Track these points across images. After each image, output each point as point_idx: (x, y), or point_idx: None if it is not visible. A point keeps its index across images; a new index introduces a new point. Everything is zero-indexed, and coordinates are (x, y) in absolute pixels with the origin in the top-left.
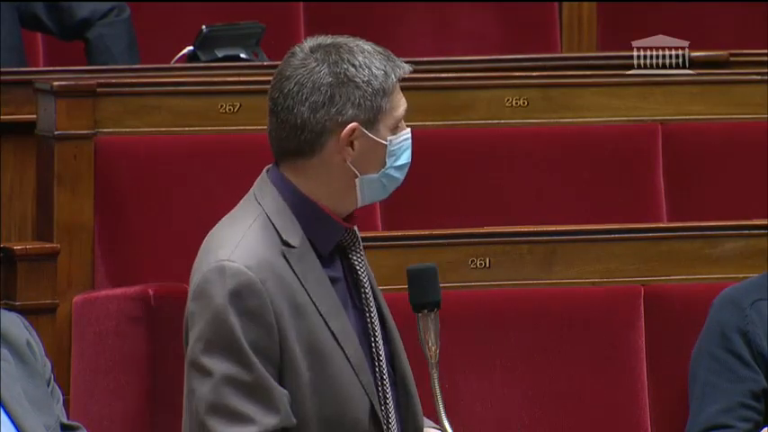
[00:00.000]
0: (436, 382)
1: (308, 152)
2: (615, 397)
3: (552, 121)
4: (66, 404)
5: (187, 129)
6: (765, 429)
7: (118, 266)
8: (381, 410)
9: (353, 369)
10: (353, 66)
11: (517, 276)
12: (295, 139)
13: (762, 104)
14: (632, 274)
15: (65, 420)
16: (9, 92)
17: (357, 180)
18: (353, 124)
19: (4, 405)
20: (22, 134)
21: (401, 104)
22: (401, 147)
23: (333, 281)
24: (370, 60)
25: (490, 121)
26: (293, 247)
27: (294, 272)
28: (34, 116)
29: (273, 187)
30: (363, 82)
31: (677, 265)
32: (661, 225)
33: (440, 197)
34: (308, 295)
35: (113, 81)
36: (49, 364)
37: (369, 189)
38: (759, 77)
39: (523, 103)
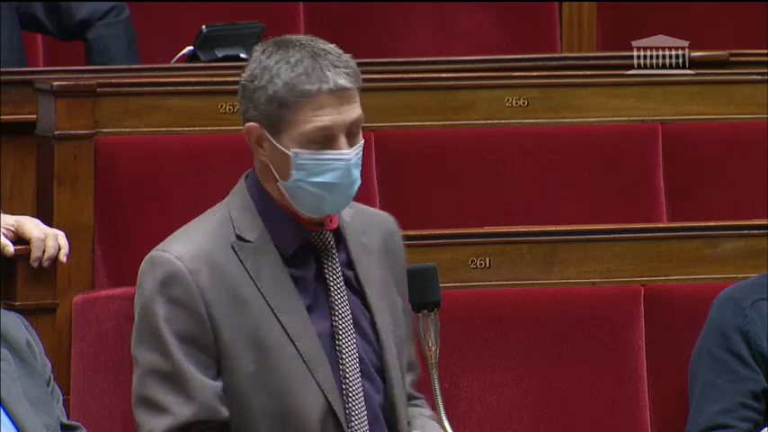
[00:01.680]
0: (436, 382)
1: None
2: (615, 397)
3: (552, 121)
4: (66, 404)
5: (187, 129)
6: (765, 429)
7: (118, 266)
8: (344, 408)
9: (306, 364)
10: (264, 68)
11: (517, 276)
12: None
13: (762, 104)
14: (632, 274)
15: (65, 420)
16: (9, 92)
17: (279, 184)
18: (252, 124)
19: (5, 405)
20: (22, 134)
21: (312, 121)
22: (317, 164)
23: (298, 279)
24: (283, 67)
25: (490, 121)
26: (248, 241)
27: (244, 265)
28: (34, 116)
29: (244, 186)
30: (260, 87)
31: (677, 265)
32: (661, 225)
33: (440, 197)
34: (258, 289)
35: (113, 81)
36: (48, 365)
37: (295, 197)
38: (759, 77)
39: (523, 103)
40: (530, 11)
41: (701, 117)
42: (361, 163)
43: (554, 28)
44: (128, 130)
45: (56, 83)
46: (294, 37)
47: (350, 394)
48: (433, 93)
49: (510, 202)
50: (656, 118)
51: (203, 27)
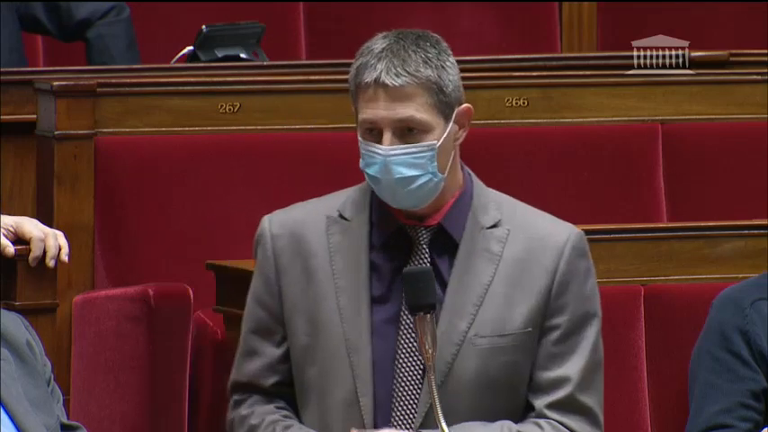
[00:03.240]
0: (433, 385)
1: None
2: (615, 397)
3: (552, 121)
4: (66, 404)
5: (187, 129)
6: (765, 429)
7: (118, 266)
8: (375, 396)
9: (347, 347)
10: (357, 52)
11: None
12: None
13: (762, 104)
14: (632, 274)
15: (65, 420)
16: (9, 92)
17: None
18: (354, 108)
19: (5, 405)
20: (22, 134)
21: (363, 112)
22: (367, 155)
23: (378, 267)
24: (361, 56)
25: (490, 121)
26: (346, 219)
27: (328, 240)
28: (34, 116)
29: None
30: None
31: (677, 265)
32: (661, 225)
33: None
34: (331, 266)
35: (113, 81)
36: (49, 364)
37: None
38: (759, 77)
39: (523, 103)
40: (530, 11)
41: (701, 117)
42: (423, 164)
43: (554, 28)
44: (128, 130)
45: (56, 83)
46: (411, 31)
47: (399, 385)
48: None
49: None
50: (656, 118)
51: (203, 27)
